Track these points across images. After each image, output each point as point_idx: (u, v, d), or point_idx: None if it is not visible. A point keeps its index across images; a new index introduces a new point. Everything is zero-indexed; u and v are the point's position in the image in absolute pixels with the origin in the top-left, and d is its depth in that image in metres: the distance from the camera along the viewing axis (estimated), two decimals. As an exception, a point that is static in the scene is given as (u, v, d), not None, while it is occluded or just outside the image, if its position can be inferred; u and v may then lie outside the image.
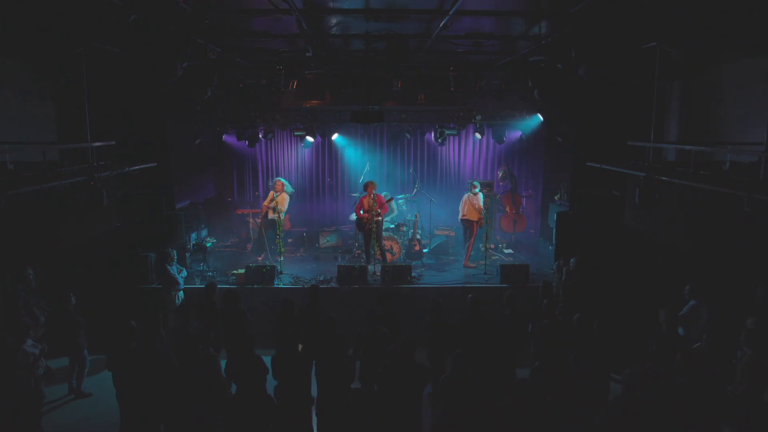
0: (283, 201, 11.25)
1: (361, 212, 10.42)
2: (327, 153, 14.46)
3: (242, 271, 9.84)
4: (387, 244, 11.01)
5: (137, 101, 9.30)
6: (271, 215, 11.10)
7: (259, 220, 11.64)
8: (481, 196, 11.10)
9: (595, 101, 9.54)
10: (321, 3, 6.10)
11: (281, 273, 10.31)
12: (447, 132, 12.13)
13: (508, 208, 12.84)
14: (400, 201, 12.90)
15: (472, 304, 6.97)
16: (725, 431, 5.68)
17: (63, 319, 7.48)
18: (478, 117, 11.97)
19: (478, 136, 13.21)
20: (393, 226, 11.86)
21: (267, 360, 5.81)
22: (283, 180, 11.55)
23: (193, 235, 11.74)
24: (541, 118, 12.02)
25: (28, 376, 5.97)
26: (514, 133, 13.42)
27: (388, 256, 10.94)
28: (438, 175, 14.42)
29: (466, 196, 11.18)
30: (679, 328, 6.80)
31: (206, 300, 7.52)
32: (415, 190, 12.92)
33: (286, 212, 11.41)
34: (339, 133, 13.56)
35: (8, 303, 7.15)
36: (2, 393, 5.48)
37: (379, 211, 10.39)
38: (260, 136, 12.87)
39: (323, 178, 14.62)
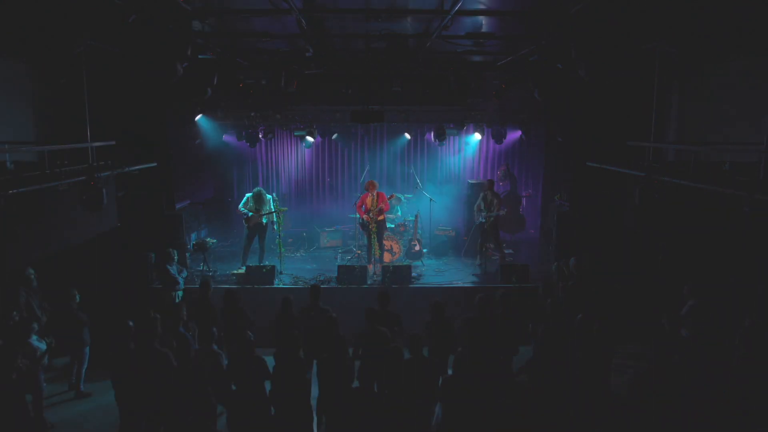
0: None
1: (362, 209, 10.41)
2: (327, 153, 14.46)
3: (242, 271, 9.85)
4: (387, 244, 11.00)
5: (137, 101, 9.29)
6: (254, 221, 10.56)
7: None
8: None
9: (595, 101, 9.53)
10: (321, 3, 6.10)
11: (281, 273, 10.31)
12: (447, 132, 12.12)
13: (507, 208, 12.83)
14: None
15: (479, 303, 6.92)
16: (724, 429, 5.68)
17: (67, 315, 7.51)
18: (478, 117, 11.96)
19: (477, 136, 13.22)
20: (393, 226, 11.85)
21: (268, 360, 5.81)
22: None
23: (193, 235, 11.74)
24: (540, 118, 12.00)
25: (33, 370, 6.00)
26: (514, 133, 13.43)
27: (388, 256, 10.94)
28: (438, 175, 14.41)
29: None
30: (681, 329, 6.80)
31: (201, 298, 7.49)
32: (415, 190, 12.92)
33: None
34: (339, 133, 13.55)
35: (6, 302, 7.15)
36: (6, 387, 5.51)
37: (381, 207, 10.35)
38: (260, 136, 12.86)
39: (323, 178, 14.61)
